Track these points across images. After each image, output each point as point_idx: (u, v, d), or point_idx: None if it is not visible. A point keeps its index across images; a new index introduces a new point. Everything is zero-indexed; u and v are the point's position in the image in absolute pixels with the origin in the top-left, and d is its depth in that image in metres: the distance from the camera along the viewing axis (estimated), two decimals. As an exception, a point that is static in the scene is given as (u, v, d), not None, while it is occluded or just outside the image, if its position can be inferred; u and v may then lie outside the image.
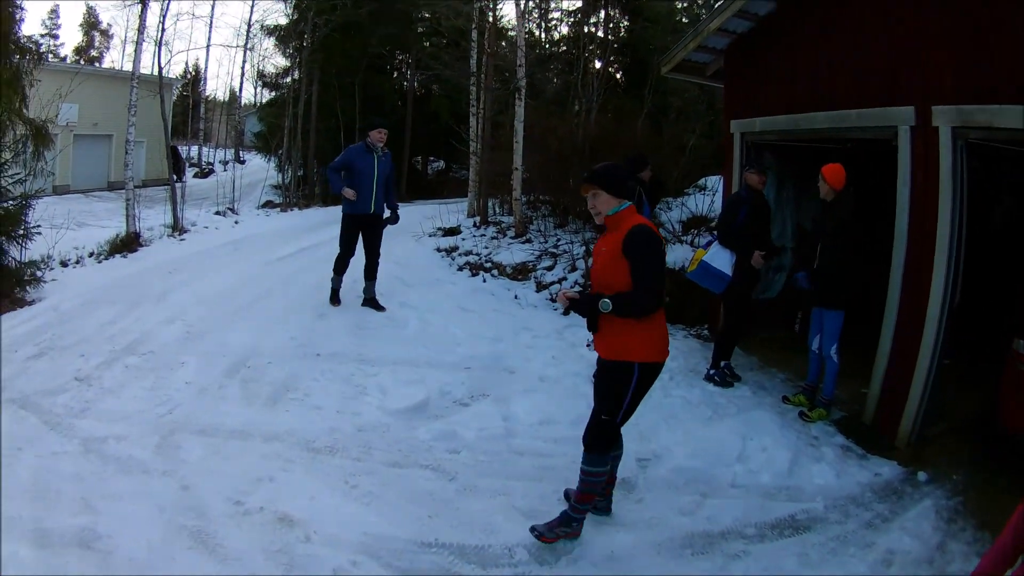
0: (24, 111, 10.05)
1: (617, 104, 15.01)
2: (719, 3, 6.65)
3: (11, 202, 8.80)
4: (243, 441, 4.39)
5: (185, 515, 3.54)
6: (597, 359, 3.42)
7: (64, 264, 10.33)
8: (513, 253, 9.31)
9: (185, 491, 3.78)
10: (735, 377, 5.63)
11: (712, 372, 5.64)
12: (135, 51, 13.28)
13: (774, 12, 6.12)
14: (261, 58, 38.81)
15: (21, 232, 8.76)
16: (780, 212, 6.30)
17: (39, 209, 9.42)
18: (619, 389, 3.27)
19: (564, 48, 19.36)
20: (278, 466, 4.07)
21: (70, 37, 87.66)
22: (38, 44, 14.82)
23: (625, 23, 18.70)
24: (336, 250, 7.11)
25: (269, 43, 29.36)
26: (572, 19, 19.92)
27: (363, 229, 6.99)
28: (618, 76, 18.07)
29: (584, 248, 8.82)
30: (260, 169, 24.27)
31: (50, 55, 21.83)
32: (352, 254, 7.08)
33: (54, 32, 47.68)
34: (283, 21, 23.80)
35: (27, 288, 8.55)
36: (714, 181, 9.82)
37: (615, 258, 3.19)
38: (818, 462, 4.34)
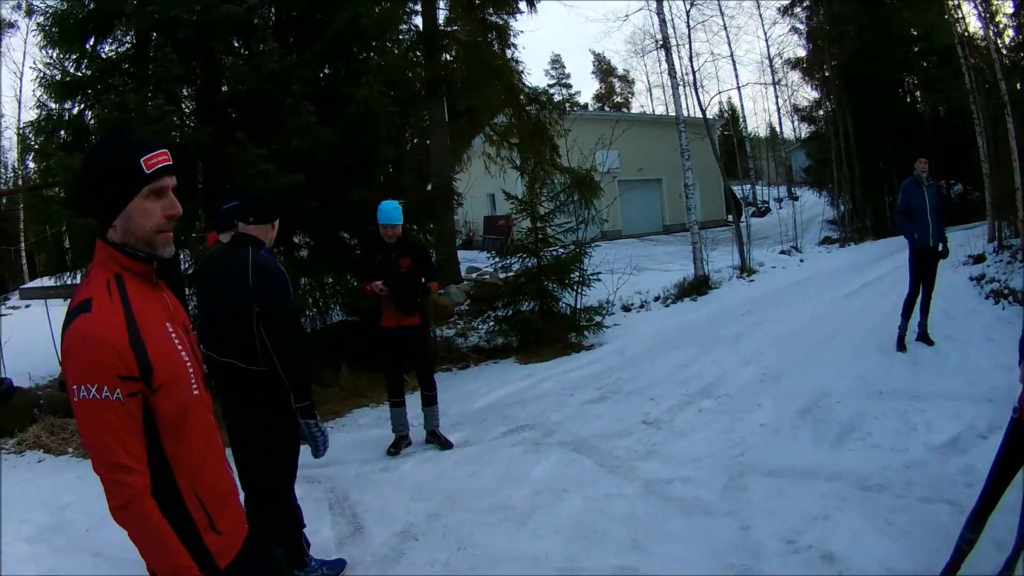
0: (557, 160, 10.99)
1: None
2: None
3: (562, 250, 9.07)
4: (808, 481, 4.46)
5: (737, 554, 3.64)
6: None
7: (627, 309, 10.44)
8: (1027, 276, 8.83)
9: (744, 531, 3.86)
10: None
11: None
12: (673, 95, 13.39)
13: None
14: (791, 92, 37.90)
15: (576, 279, 9.06)
16: None
17: (596, 255, 9.54)
18: None
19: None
20: (834, 505, 4.11)
21: (583, 85, 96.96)
22: (550, 95, 16.49)
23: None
24: (897, 285, 7.30)
25: (795, 76, 29.23)
26: (1015, 21, 17.06)
27: (925, 263, 6.99)
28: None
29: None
30: (814, 204, 24.14)
31: (570, 105, 22.55)
32: (919, 294, 7.04)
33: (564, 81, 49.63)
34: (800, 53, 23.48)
35: (584, 333, 8.82)
36: None
37: None
38: None
